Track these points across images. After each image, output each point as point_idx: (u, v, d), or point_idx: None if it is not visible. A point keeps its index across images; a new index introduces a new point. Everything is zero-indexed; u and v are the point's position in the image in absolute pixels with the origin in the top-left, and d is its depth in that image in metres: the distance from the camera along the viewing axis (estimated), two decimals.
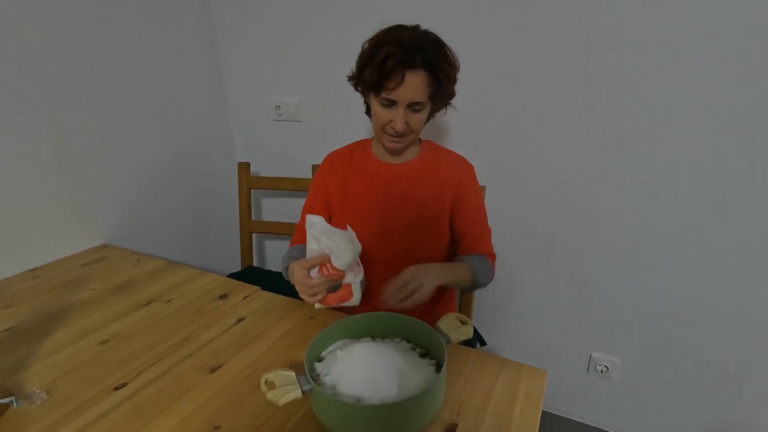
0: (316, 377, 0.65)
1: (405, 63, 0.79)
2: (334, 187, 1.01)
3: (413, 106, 0.85)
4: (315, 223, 0.79)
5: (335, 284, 0.82)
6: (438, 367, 0.67)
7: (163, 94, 1.44)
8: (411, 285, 0.75)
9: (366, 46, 0.86)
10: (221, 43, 1.62)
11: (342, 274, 0.80)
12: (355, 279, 0.83)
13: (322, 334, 0.70)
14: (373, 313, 0.74)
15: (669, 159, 1.14)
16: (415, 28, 0.84)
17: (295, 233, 1.07)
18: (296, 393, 0.60)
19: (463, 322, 0.68)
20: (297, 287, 0.82)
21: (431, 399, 0.59)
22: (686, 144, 1.12)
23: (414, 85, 0.81)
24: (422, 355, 0.70)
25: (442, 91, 0.85)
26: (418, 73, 0.81)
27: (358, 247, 0.80)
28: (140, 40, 1.34)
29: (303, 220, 1.06)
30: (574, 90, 1.18)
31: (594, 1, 1.09)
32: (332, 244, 0.78)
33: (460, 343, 0.77)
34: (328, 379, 0.64)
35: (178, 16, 1.46)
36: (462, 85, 1.28)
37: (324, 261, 0.79)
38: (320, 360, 0.70)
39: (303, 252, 0.97)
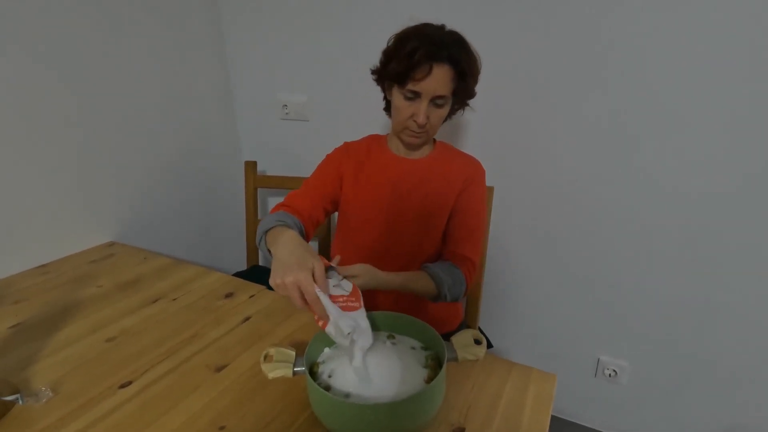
0: (315, 364, 0.66)
1: (432, 55, 0.81)
2: (348, 173, 1.00)
3: (436, 101, 0.85)
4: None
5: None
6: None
7: (170, 93, 1.45)
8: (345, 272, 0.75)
9: (392, 40, 0.87)
10: (229, 41, 1.62)
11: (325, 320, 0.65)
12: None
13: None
14: (392, 313, 0.73)
15: (678, 159, 1.13)
16: (441, 27, 0.86)
17: (286, 199, 0.96)
18: (287, 371, 0.62)
19: (477, 342, 0.67)
20: (294, 292, 0.63)
21: (412, 408, 0.57)
22: (695, 144, 1.10)
23: (440, 77, 0.82)
24: (433, 359, 0.68)
25: (464, 87, 0.86)
26: (443, 66, 0.82)
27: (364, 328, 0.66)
28: (148, 39, 1.35)
29: (302, 192, 0.97)
30: (583, 90, 1.17)
31: (602, 1, 1.08)
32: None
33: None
34: (325, 368, 0.65)
35: (186, 15, 1.46)
36: None
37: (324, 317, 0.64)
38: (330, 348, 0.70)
39: (294, 221, 0.87)
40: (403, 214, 0.97)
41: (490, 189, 1.18)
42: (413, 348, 0.70)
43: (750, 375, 1.22)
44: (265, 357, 0.64)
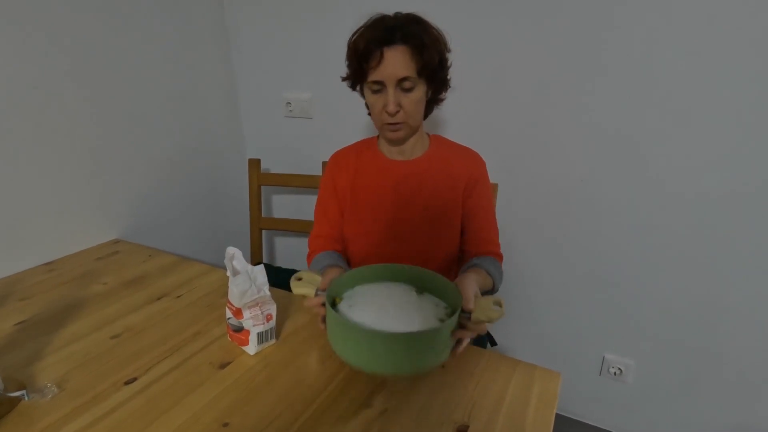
0: (338, 298, 0.73)
1: (381, 41, 0.79)
2: (343, 185, 1.00)
3: (402, 84, 0.82)
4: (231, 255, 0.79)
5: (240, 323, 0.77)
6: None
7: (175, 91, 1.45)
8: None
9: (349, 41, 0.86)
10: (233, 39, 1.62)
11: (235, 310, 0.76)
12: (253, 328, 0.76)
13: (365, 269, 0.78)
14: (417, 267, 0.78)
15: (686, 158, 1.12)
16: (396, 14, 0.84)
17: (311, 242, 1.04)
18: (310, 291, 0.72)
19: (497, 305, 0.67)
20: None
21: (410, 344, 0.62)
22: (703, 142, 1.09)
23: (395, 59, 0.80)
24: (449, 315, 0.70)
25: (427, 63, 0.81)
26: (397, 48, 0.80)
27: (260, 286, 0.75)
28: (154, 37, 1.35)
29: (319, 226, 1.03)
30: (590, 87, 1.16)
31: None
32: (230, 274, 0.76)
33: (471, 343, 0.76)
34: (347, 301, 0.72)
35: (191, 12, 1.46)
36: (476, 82, 1.27)
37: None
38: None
39: (332, 257, 0.97)
40: (408, 218, 0.95)
41: (494, 185, 1.17)
42: (436, 305, 0.74)
43: (757, 374, 1.21)
44: (297, 278, 0.74)
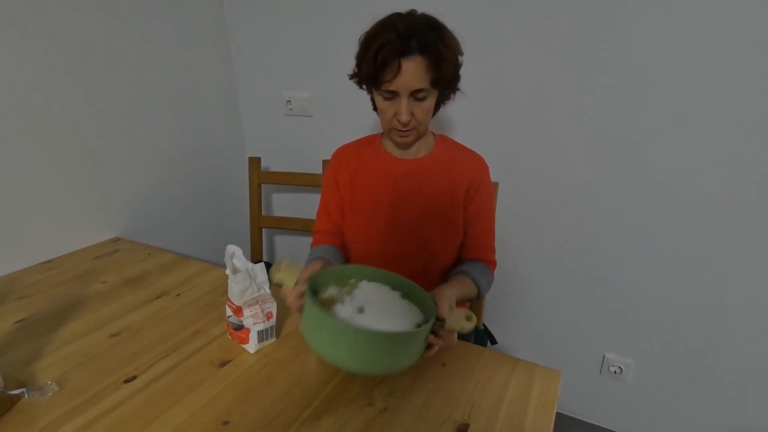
0: (322, 288, 0.71)
1: (399, 51, 0.76)
2: (344, 182, 1.00)
3: (416, 95, 0.81)
4: (231, 253, 0.79)
5: (240, 321, 0.77)
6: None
7: (176, 90, 1.45)
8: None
9: (361, 40, 0.83)
10: (233, 39, 1.62)
11: (235, 308, 0.77)
12: (253, 326, 0.76)
13: (348, 268, 0.75)
14: (399, 276, 0.76)
15: (686, 158, 1.12)
16: (411, 14, 0.81)
17: (313, 235, 1.05)
18: (291, 281, 0.68)
19: (468, 319, 0.67)
20: None
21: (395, 343, 0.61)
22: (703, 142, 1.09)
23: (412, 71, 0.77)
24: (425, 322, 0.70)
25: (443, 75, 0.80)
26: (415, 58, 0.77)
27: (261, 284, 0.76)
28: (153, 37, 1.35)
29: (320, 222, 1.04)
30: (591, 87, 1.16)
31: None
32: (230, 272, 0.76)
33: (471, 342, 0.76)
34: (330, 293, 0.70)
35: (191, 12, 1.46)
36: (477, 82, 1.27)
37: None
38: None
39: (327, 252, 0.96)
40: (408, 216, 0.95)
41: (495, 185, 1.17)
42: (414, 314, 0.71)
43: (757, 374, 1.21)
44: (281, 265, 0.70)
